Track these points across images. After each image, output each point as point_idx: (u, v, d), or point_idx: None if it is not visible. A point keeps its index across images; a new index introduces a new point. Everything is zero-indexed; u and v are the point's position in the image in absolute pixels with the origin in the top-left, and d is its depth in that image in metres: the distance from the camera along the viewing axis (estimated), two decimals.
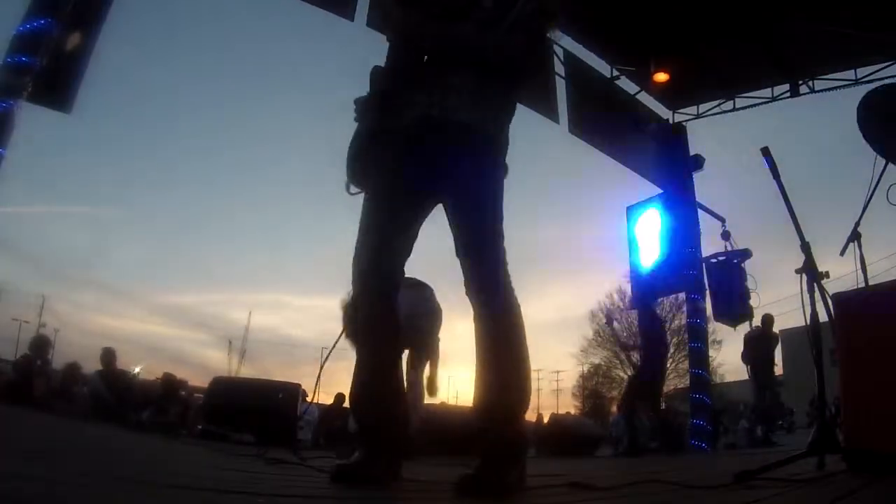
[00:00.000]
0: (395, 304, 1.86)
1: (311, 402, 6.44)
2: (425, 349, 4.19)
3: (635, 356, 7.88)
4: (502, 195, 1.82)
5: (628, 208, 9.42)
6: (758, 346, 7.79)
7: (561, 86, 8.06)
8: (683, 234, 8.63)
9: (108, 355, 6.58)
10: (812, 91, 8.27)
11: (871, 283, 2.92)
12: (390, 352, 1.86)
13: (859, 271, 2.96)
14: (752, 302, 7.63)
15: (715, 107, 9.16)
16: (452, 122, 1.77)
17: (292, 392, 6.42)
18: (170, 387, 7.02)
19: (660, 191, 9.07)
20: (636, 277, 8.98)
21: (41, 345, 6.64)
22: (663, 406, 8.12)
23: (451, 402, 10.50)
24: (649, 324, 6.87)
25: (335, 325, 3.45)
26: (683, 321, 9.48)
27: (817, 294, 2.41)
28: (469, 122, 1.77)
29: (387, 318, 1.83)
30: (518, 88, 1.93)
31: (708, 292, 8.21)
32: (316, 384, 2.61)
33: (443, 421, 5.20)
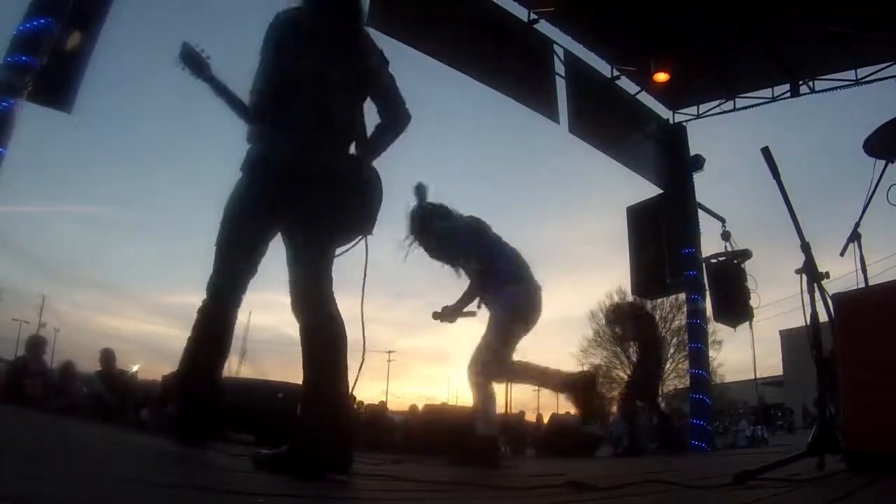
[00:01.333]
0: None
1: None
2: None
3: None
4: None
5: (628, 208, 9.43)
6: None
7: (561, 86, 8.04)
8: (683, 235, 8.64)
9: (108, 356, 6.57)
10: (812, 91, 8.27)
11: (871, 283, 2.92)
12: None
13: (859, 271, 2.95)
14: (752, 302, 7.62)
15: (715, 107, 9.15)
16: None
17: (292, 392, 6.40)
18: None
19: (660, 191, 9.08)
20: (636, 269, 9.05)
21: (37, 345, 6.62)
22: (662, 405, 8.12)
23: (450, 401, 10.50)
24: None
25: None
26: (683, 321, 9.45)
27: (817, 294, 2.41)
28: None
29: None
30: None
31: (708, 292, 8.21)
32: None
33: (442, 421, 5.20)
